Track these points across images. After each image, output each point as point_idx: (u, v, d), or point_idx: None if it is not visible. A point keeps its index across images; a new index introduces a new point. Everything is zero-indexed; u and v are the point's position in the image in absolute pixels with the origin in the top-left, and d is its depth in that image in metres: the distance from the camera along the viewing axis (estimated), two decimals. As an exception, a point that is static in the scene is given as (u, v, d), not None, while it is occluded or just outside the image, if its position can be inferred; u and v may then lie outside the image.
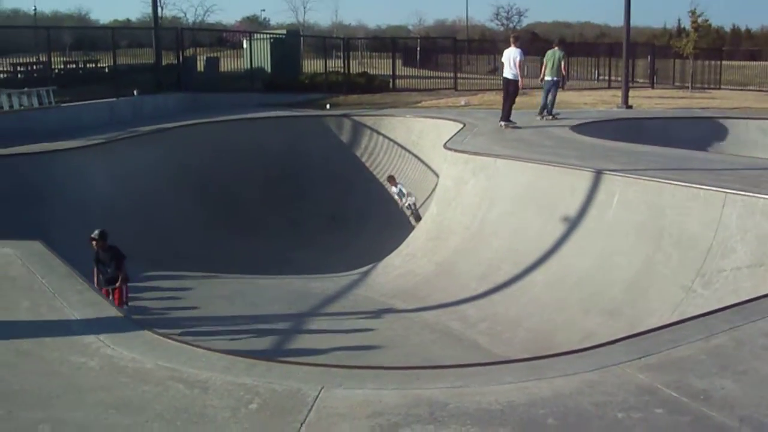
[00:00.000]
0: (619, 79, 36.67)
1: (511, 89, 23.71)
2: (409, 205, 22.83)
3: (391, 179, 23.68)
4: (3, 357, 7.02)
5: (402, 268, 17.90)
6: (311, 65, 40.86)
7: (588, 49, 53.33)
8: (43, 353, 7.14)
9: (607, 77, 46.55)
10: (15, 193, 18.50)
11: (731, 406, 5.84)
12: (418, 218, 21.63)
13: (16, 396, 6.22)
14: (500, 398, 5.90)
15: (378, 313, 15.54)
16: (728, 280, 12.48)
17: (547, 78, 25.40)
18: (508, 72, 23.52)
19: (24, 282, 9.32)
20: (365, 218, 23.96)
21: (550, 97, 25.37)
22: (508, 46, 23.35)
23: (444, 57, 51.62)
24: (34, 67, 34.78)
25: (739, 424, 5.57)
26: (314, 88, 35.63)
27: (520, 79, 23.37)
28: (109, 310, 8.32)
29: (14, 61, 36.85)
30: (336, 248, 21.96)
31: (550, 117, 25.27)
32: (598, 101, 34.35)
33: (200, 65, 38.12)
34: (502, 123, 23.73)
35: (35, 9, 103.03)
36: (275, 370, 6.76)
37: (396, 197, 23.38)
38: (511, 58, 23.22)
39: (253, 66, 37.19)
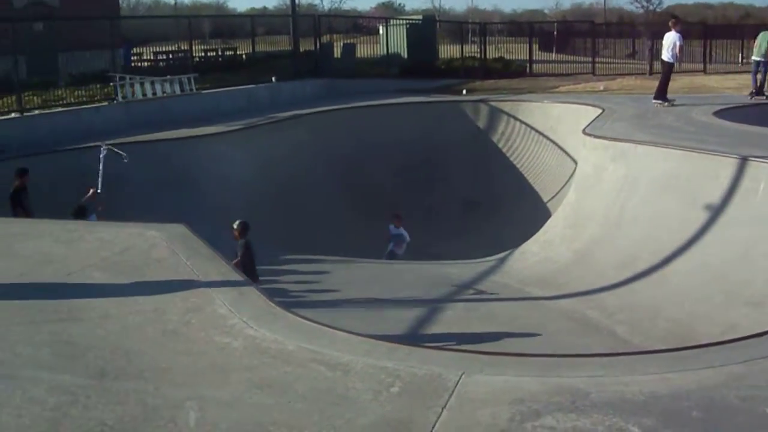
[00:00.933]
0: (765, 62, 35.49)
1: (666, 70, 24.33)
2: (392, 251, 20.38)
3: (398, 218, 20.49)
4: (151, 336, 7.24)
5: (539, 254, 17.77)
6: (447, 51, 40.76)
7: (731, 30, 51.72)
8: (189, 333, 7.33)
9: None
10: (159, 177, 19.10)
11: None
12: None
13: (164, 373, 6.41)
14: (643, 389, 5.81)
15: (515, 300, 15.46)
16: None
17: (756, 58, 26.17)
18: (665, 55, 23.90)
19: (169, 264, 9.57)
20: (501, 204, 23.84)
21: (759, 76, 25.78)
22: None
23: (581, 41, 50.80)
24: (176, 55, 35.78)
25: None
26: (450, 73, 35.49)
27: (677, 62, 24.00)
28: (252, 293, 8.48)
29: (156, 50, 38.00)
30: (472, 234, 21.95)
31: (764, 97, 25.47)
32: (742, 86, 33.22)
33: (337, 52, 38.47)
34: (657, 102, 24.13)
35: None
36: (416, 354, 6.80)
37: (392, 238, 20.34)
38: (671, 41, 23.55)
39: (389, 52, 37.34)
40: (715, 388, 5.86)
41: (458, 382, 6.02)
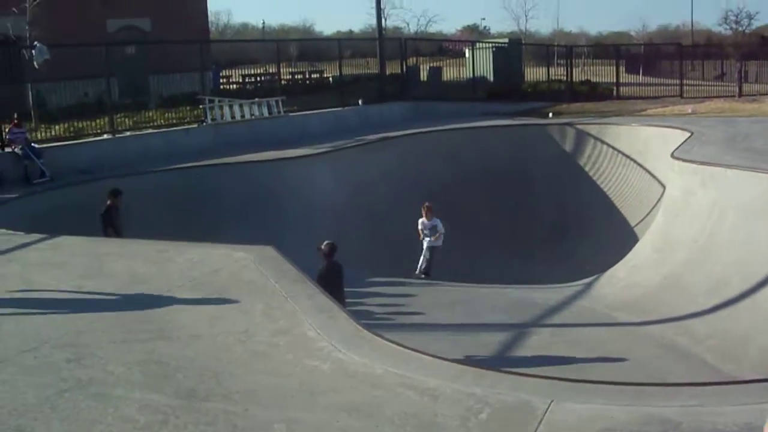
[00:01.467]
0: None
1: None
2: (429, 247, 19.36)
3: (429, 210, 19.28)
4: (240, 357, 7.34)
5: (627, 279, 17.58)
6: (533, 73, 40.65)
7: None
8: (277, 355, 7.41)
9: None
10: (249, 198, 19.36)
11: None
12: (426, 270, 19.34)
13: (252, 395, 6.49)
14: (737, 419, 5.71)
15: (602, 326, 15.30)
16: None
17: None
18: None
19: (258, 285, 9.70)
20: (588, 228, 23.63)
21: None
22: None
23: (668, 63, 50.21)
24: (263, 78, 36.29)
25: None
26: (536, 96, 35.38)
27: None
28: (340, 316, 8.55)
29: (244, 73, 38.59)
30: (558, 258, 21.79)
31: None
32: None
33: (423, 74, 38.62)
34: None
35: (263, 23, 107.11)
36: (504, 381, 6.79)
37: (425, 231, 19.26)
38: None
39: (475, 75, 37.39)
40: (813, 420, 5.74)
41: (547, 410, 6.00)
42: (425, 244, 19.19)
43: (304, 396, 6.49)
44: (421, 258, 19.26)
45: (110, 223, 15.96)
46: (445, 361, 7.28)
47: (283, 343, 7.72)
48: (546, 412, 5.95)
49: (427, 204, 19.32)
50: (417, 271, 19.22)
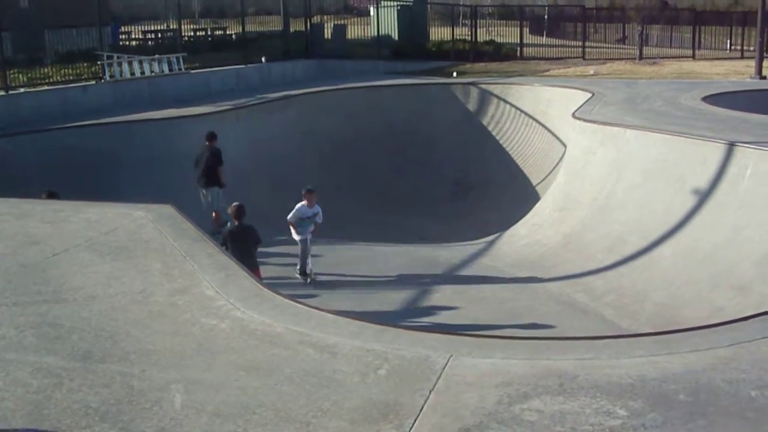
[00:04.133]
0: (753, 49, 35.48)
1: None
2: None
3: (312, 195, 15.98)
4: (137, 317, 7.21)
5: (528, 238, 17.80)
6: (438, 33, 40.63)
7: (720, 17, 51.73)
8: (176, 315, 7.29)
9: (739, 47, 45.16)
10: (148, 157, 19.02)
11: None
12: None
13: (150, 355, 6.38)
14: (631, 372, 5.82)
15: (503, 283, 15.49)
16: None
17: None
18: None
19: (156, 244, 9.53)
20: (491, 187, 23.83)
21: None
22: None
23: (571, 25, 50.76)
24: (164, 34, 35.58)
25: None
26: (441, 56, 35.45)
27: None
28: (239, 274, 8.45)
29: (145, 29, 37.75)
30: (461, 216, 21.94)
31: None
32: (730, 72, 33.32)
33: (327, 33, 38.36)
34: None
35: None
36: (404, 336, 6.79)
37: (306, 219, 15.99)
38: None
39: (380, 34, 37.25)
40: (701, 371, 5.87)
41: (446, 364, 6.01)
42: (299, 237, 15.80)
43: (203, 355, 6.40)
44: (303, 256, 15.88)
45: None
46: (345, 318, 7.26)
47: (181, 302, 7.60)
48: (445, 367, 5.97)
49: (309, 188, 16.01)
50: (300, 272, 15.83)
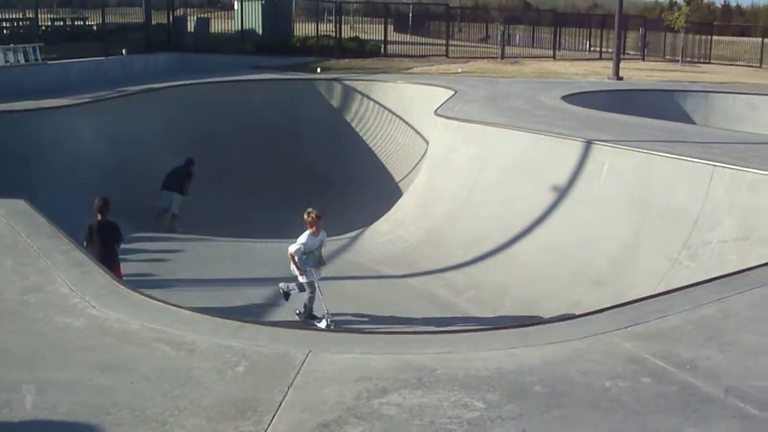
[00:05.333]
0: (611, 50, 36.56)
1: None
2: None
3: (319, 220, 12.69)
4: (-13, 316, 6.99)
5: (390, 233, 17.88)
6: (303, 29, 40.54)
7: (580, 19, 53.13)
8: (28, 313, 7.10)
9: (598, 48, 46.40)
10: (2, 151, 18.38)
11: (717, 376, 5.86)
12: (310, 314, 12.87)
13: (1, 355, 6.18)
14: (488, 365, 5.91)
15: (366, 279, 15.52)
16: (714, 252, 12.53)
17: None
18: None
19: (8, 240, 9.27)
20: (354, 183, 23.87)
21: None
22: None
23: (436, 24, 51.36)
24: (20, 23, 34.45)
25: (724, 394, 5.59)
26: (305, 51, 35.41)
27: None
28: (95, 271, 8.27)
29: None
30: (325, 212, 21.84)
31: None
32: (589, 72, 34.24)
33: (191, 26, 37.84)
34: None
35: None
36: (263, 333, 6.75)
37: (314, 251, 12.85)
38: None
39: (244, 28, 36.97)
40: (557, 363, 6.00)
41: (305, 360, 6.00)
42: (305, 279, 12.68)
43: (57, 354, 6.24)
44: (310, 300, 12.69)
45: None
46: (203, 314, 7.17)
47: (34, 300, 7.39)
48: (304, 363, 5.95)
49: (314, 211, 12.68)
50: (307, 315, 12.70)
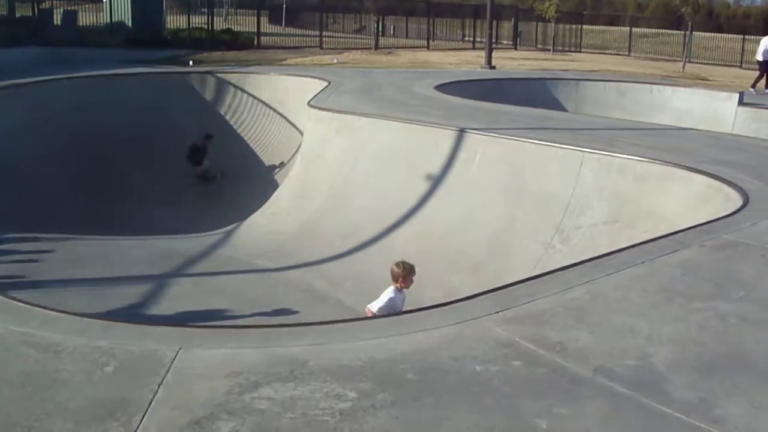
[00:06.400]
0: (484, 40, 37.06)
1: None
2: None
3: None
4: None
5: (266, 227, 17.79)
6: (175, 21, 40.01)
7: (454, 10, 53.78)
8: None
9: (471, 38, 47.03)
10: None
11: (586, 357, 5.97)
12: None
13: None
14: (361, 354, 5.90)
15: (243, 273, 15.41)
16: (585, 236, 12.83)
17: None
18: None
19: None
20: (231, 177, 23.64)
21: None
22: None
23: (310, 15, 51.29)
24: None
25: (593, 374, 5.70)
26: (177, 44, 34.96)
27: None
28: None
29: None
30: (202, 207, 21.64)
31: None
32: (462, 62, 34.66)
33: (57, 19, 36.90)
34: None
35: None
36: (132, 331, 6.60)
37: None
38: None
39: (113, 20, 36.26)
40: (429, 350, 6.03)
41: (175, 357, 5.89)
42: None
43: None
44: None
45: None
46: (71, 315, 6.98)
47: None
48: (174, 360, 5.85)
49: (405, 263, 10.49)
50: None
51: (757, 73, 30.52)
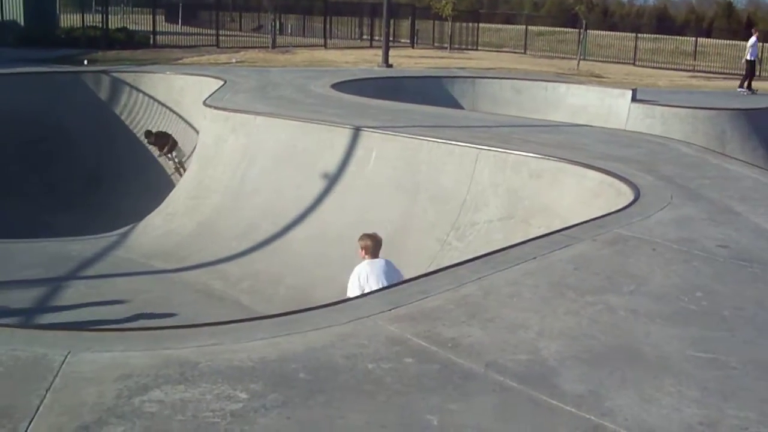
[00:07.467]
0: (381, 38, 37.23)
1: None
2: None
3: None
4: None
5: (163, 227, 17.59)
6: (69, 20, 39.33)
7: (351, 8, 53.87)
8: None
9: (369, 37, 47.18)
10: None
11: (478, 353, 6.03)
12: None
13: None
14: (252, 355, 5.87)
15: (138, 275, 15.22)
16: (481, 232, 12.98)
17: None
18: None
19: None
20: (125, 178, 23.28)
21: None
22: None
23: (207, 13, 50.88)
24: None
25: (485, 369, 5.76)
26: (71, 43, 34.42)
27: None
28: None
29: None
30: (96, 209, 21.27)
31: None
32: (359, 60, 34.76)
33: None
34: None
35: None
36: (18, 335, 6.46)
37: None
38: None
39: (4, 18, 35.46)
40: (321, 349, 6.02)
41: (64, 361, 5.78)
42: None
43: None
44: None
45: None
46: (-45, 320, 6.82)
47: None
48: (62, 365, 5.73)
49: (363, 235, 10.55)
50: None
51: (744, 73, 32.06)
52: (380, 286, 9.09)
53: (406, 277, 9.17)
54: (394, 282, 8.84)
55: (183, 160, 22.45)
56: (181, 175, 21.11)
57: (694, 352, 6.22)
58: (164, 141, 22.56)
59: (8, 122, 23.91)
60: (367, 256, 10.04)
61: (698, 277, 7.94)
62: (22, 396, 5.32)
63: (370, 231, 13.55)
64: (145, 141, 23.14)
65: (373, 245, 10.04)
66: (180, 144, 23.67)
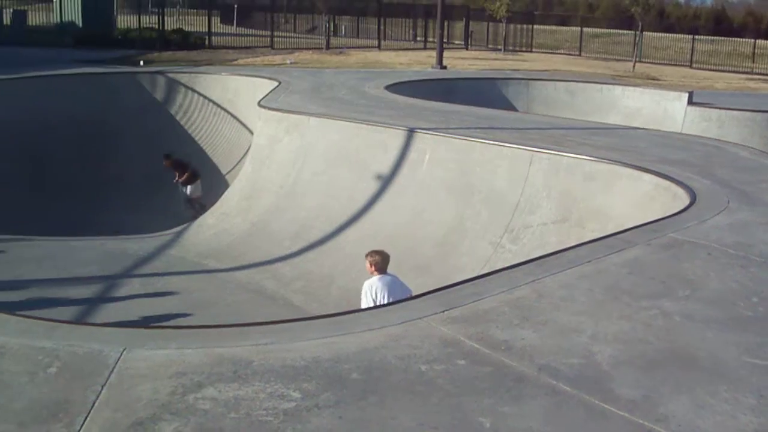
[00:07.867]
0: (435, 40, 37.18)
1: None
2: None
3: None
4: None
5: (216, 227, 17.72)
6: (125, 21, 39.76)
7: (405, 10, 53.89)
8: None
9: (423, 38, 47.14)
10: None
11: (530, 356, 6.00)
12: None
13: None
14: (305, 354, 5.89)
15: (192, 273, 15.34)
16: (535, 235, 12.91)
17: None
18: None
19: None
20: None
21: None
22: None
23: (261, 15, 51.15)
24: None
25: (537, 372, 5.73)
26: (128, 44, 34.76)
27: None
28: None
29: None
30: (152, 208, 21.51)
31: None
32: (413, 62, 34.73)
33: (6, 18, 36.50)
34: None
35: None
36: (76, 332, 6.55)
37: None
38: None
39: (63, 20, 35.94)
40: (374, 349, 6.03)
41: (119, 358, 5.85)
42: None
43: None
44: None
45: None
46: (14, 316, 6.91)
47: None
48: (118, 361, 5.81)
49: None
50: None
51: None
52: (391, 300, 9.27)
53: (461, 278, 9.14)
54: (405, 296, 9.14)
55: (199, 195, 21.82)
56: (194, 210, 20.95)
57: (750, 358, 6.14)
58: (183, 169, 21.94)
59: (67, 122, 24.27)
60: (376, 272, 10.09)
61: (754, 282, 7.84)
62: (79, 391, 5.39)
63: (421, 234, 13.63)
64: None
65: (381, 261, 10.16)
66: (231, 144, 23.82)
